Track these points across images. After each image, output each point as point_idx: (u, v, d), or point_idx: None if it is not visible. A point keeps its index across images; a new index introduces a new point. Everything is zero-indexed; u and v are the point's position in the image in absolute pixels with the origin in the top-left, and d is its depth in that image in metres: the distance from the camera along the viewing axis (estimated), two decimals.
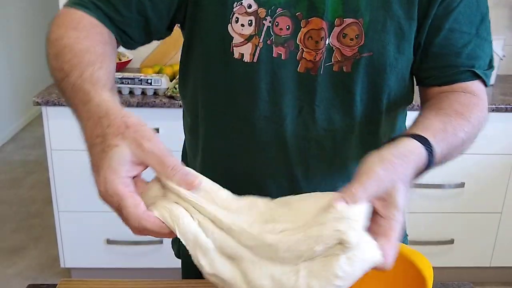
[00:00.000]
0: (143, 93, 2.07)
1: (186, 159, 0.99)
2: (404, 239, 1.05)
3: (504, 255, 2.39)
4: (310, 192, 0.73)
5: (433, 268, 0.67)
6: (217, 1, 0.78)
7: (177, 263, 2.37)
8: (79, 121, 0.64)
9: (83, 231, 2.27)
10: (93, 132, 0.59)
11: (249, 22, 0.78)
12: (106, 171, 0.56)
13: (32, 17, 4.50)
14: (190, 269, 1.03)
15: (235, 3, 0.77)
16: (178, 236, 0.56)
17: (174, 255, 2.28)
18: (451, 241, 2.34)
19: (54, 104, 2.03)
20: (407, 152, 0.63)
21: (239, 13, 0.77)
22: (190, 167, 0.59)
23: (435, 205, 2.28)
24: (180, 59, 0.89)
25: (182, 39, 0.88)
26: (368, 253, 0.56)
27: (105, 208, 2.23)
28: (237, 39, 0.78)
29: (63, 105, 2.03)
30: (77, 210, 2.23)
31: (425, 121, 0.73)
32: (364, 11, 0.77)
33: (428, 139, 0.67)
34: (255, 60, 0.79)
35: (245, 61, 0.79)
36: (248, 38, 0.78)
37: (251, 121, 0.82)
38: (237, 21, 0.78)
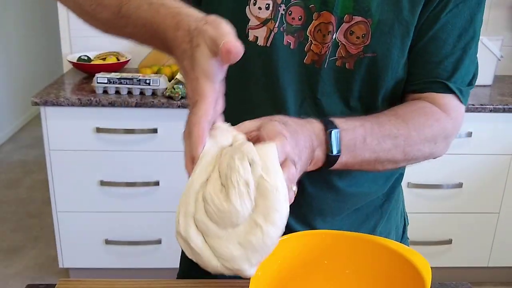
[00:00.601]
0: (142, 93, 2.08)
1: None
2: (405, 241, 1.05)
3: (502, 255, 2.40)
4: (311, 182, 0.79)
5: (431, 268, 0.67)
6: None
7: (176, 263, 2.37)
8: (164, 35, 0.63)
9: (81, 231, 2.27)
10: (183, 40, 0.60)
11: (267, 5, 0.78)
12: (198, 72, 0.58)
13: (31, 17, 4.49)
14: (188, 262, 1.04)
15: None
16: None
17: (172, 255, 2.29)
18: (449, 241, 2.35)
19: (53, 104, 2.03)
20: (298, 119, 0.67)
21: None
22: None
23: (433, 205, 2.29)
24: None
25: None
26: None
27: (103, 208, 2.24)
28: (253, 22, 0.79)
29: (62, 105, 2.03)
30: (75, 210, 2.23)
31: (362, 116, 0.75)
32: (374, 12, 0.77)
33: (333, 120, 0.70)
34: (268, 44, 0.79)
35: (259, 44, 0.79)
36: (264, 22, 0.79)
37: (257, 104, 0.83)
38: (255, 4, 0.78)
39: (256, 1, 0.78)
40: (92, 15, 0.74)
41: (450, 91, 0.80)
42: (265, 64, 0.81)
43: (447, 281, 0.89)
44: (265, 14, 0.78)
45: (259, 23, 0.79)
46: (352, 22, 0.78)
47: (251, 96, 0.83)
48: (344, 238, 0.74)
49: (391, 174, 0.93)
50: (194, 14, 0.61)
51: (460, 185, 2.25)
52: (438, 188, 2.24)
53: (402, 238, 1.03)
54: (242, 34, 0.79)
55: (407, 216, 1.06)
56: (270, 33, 0.79)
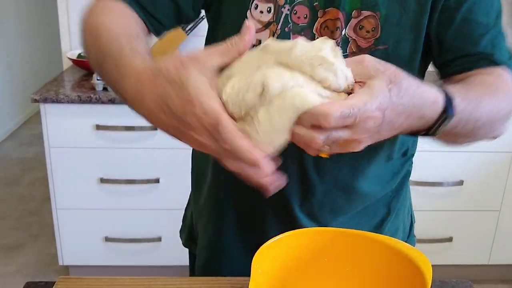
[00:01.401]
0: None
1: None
2: (411, 240, 1.05)
3: (503, 253, 2.40)
4: (320, 182, 0.78)
5: (432, 266, 0.67)
6: None
7: (176, 260, 2.37)
8: (130, 97, 0.64)
9: (81, 228, 2.27)
10: (157, 87, 0.59)
11: (268, 9, 0.79)
12: (199, 96, 0.55)
13: (30, 15, 4.49)
14: (195, 260, 1.04)
15: None
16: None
17: (172, 253, 2.28)
18: (450, 239, 2.34)
19: (53, 101, 2.03)
20: (415, 81, 0.61)
21: (258, 0, 0.79)
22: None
23: (434, 202, 2.28)
24: (205, 44, 0.90)
25: (180, 37, 0.88)
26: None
27: (103, 205, 2.23)
28: (255, 26, 0.79)
29: (62, 102, 2.03)
30: (75, 207, 2.23)
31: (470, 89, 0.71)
32: (381, 5, 0.77)
33: (446, 89, 0.65)
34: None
35: None
36: (266, 25, 0.79)
37: None
38: (256, 8, 0.79)
39: (257, 5, 0.79)
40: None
41: (497, 64, 0.79)
42: None
43: (447, 278, 0.88)
44: (267, 17, 0.79)
45: (261, 26, 0.79)
46: (361, 17, 0.78)
47: None
48: (344, 235, 0.74)
49: (399, 170, 0.93)
50: (144, 65, 0.62)
51: (460, 183, 2.24)
52: (438, 186, 2.24)
53: (409, 236, 1.03)
54: None
55: (413, 215, 1.06)
56: (273, 35, 0.80)
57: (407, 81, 0.59)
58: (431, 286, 0.64)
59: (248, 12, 0.79)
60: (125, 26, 0.73)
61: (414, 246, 1.02)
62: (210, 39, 0.88)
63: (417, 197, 2.26)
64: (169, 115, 0.58)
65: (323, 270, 0.74)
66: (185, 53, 0.59)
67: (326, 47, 0.57)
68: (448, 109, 0.63)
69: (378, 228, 0.94)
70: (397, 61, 0.79)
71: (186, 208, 1.11)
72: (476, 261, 2.42)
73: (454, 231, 2.34)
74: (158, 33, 0.83)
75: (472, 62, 0.79)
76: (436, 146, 2.29)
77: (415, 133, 0.65)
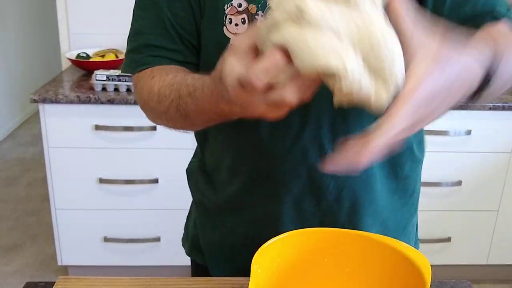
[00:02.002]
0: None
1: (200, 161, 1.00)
2: (416, 243, 1.06)
3: (501, 253, 2.40)
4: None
5: (430, 266, 0.67)
6: (212, 7, 0.80)
7: (175, 260, 2.37)
8: (217, 110, 0.65)
9: (80, 228, 2.26)
10: (217, 89, 0.62)
11: (242, 20, 0.79)
12: (224, 71, 0.57)
13: (29, 14, 4.49)
14: (198, 269, 1.03)
15: (226, 5, 0.79)
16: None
17: (171, 253, 2.28)
18: (448, 239, 2.35)
19: (52, 102, 2.03)
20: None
21: (231, 14, 0.79)
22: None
23: (433, 203, 2.29)
24: None
25: None
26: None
27: (102, 205, 2.23)
28: (234, 40, 0.79)
29: (61, 103, 2.03)
30: (74, 208, 2.23)
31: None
32: None
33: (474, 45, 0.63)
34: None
35: None
36: None
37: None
38: (230, 22, 0.79)
39: (231, 19, 0.79)
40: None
41: (501, 17, 0.78)
42: None
43: (446, 279, 0.89)
44: (243, 28, 0.79)
45: None
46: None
47: None
48: (344, 236, 0.74)
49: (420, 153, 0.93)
50: (210, 79, 0.65)
51: (459, 183, 2.25)
52: (437, 186, 2.24)
53: (415, 241, 1.05)
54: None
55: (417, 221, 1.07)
56: None
57: (452, 57, 0.56)
58: (430, 286, 0.64)
59: (224, 28, 0.79)
60: (173, 73, 0.78)
61: (418, 249, 1.04)
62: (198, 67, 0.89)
63: None
64: (226, 102, 0.60)
65: (323, 270, 0.74)
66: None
67: None
68: (489, 72, 0.62)
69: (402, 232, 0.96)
70: None
71: (187, 217, 1.09)
72: (474, 261, 2.42)
73: (453, 231, 2.35)
74: (195, 71, 0.85)
75: (477, 20, 0.78)
76: (434, 146, 2.28)
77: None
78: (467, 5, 0.78)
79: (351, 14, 0.49)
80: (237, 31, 0.79)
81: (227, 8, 0.79)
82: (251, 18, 0.79)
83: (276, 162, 0.85)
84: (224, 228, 0.96)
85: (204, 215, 1.00)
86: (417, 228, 1.06)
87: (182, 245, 1.10)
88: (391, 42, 0.50)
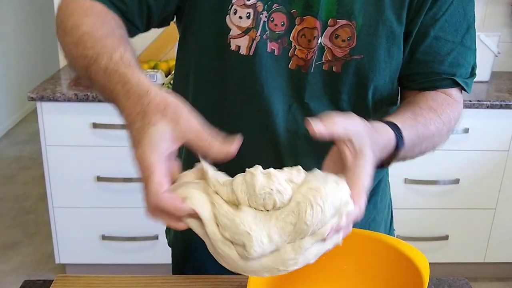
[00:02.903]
0: None
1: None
2: (391, 235, 1.06)
3: (498, 251, 2.41)
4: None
5: (428, 264, 0.67)
6: None
7: None
8: (116, 101, 0.65)
9: (78, 227, 2.26)
10: (133, 110, 0.60)
11: (247, 14, 0.78)
12: (145, 146, 0.57)
13: (26, 13, 4.47)
14: (180, 259, 1.03)
15: None
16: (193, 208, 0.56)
17: (169, 251, 2.28)
18: (446, 237, 2.35)
19: (49, 100, 2.02)
20: (376, 125, 0.67)
21: (237, 5, 0.78)
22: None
23: (430, 201, 2.29)
24: (176, 53, 0.89)
25: (178, 34, 0.88)
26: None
27: (100, 204, 2.22)
28: (234, 31, 0.78)
29: (58, 101, 2.03)
30: (72, 206, 2.23)
31: (397, 111, 0.77)
32: (357, 14, 0.77)
33: (397, 123, 0.71)
34: (251, 53, 0.79)
35: (242, 53, 0.79)
36: (246, 31, 0.78)
37: (243, 114, 0.83)
38: (235, 13, 0.78)
39: (236, 10, 0.78)
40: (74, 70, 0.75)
41: (457, 84, 0.84)
42: (248, 73, 0.80)
43: (443, 276, 0.89)
44: (246, 23, 0.78)
45: (240, 32, 0.79)
46: (337, 26, 0.78)
47: (235, 106, 0.83)
48: None
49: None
50: (143, 83, 0.62)
51: (456, 181, 2.25)
52: (434, 184, 2.25)
53: (389, 230, 1.04)
54: (223, 44, 0.79)
55: (392, 209, 1.07)
56: (252, 42, 0.79)
57: (374, 132, 0.65)
58: (427, 283, 0.64)
59: (227, 17, 0.78)
60: (109, 30, 0.72)
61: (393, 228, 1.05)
62: (183, 48, 0.87)
63: (413, 195, 2.27)
64: (128, 133, 0.61)
65: (321, 267, 0.74)
66: (176, 101, 0.59)
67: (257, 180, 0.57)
68: (399, 144, 0.70)
69: (364, 226, 0.95)
70: (371, 70, 0.80)
71: None
72: (472, 259, 2.43)
73: (450, 229, 2.35)
74: (130, 35, 0.80)
75: (436, 81, 0.83)
76: None
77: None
78: (434, 62, 0.82)
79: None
80: (239, 24, 0.78)
81: None
82: (257, 15, 0.78)
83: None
84: None
85: None
86: (392, 218, 1.06)
87: (166, 236, 1.11)
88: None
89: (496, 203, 2.31)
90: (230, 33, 0.79)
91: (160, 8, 0.81)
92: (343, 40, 0.78)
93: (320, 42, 0.79)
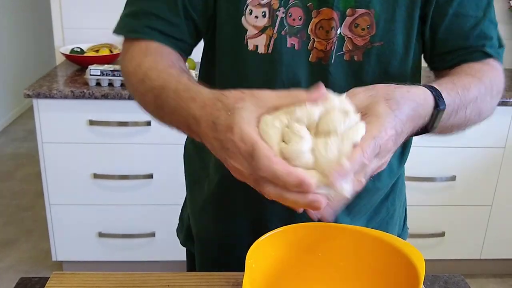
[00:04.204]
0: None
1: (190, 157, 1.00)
2: (405, 232, 1.06)
3: (494, 248, 2.41)
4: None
5: (424, 260, 0.67)
6: None
7: (170, 255, 2.37)
8: (190, 118, 0.65)
9: (74, 224, 2.26)
10: (213, 111, 0.61)
11: (263, 13, 0.78)
12: (241, 123, 0.57)
13: (22, 10, 4.46)
14: (193, 260, 1.04)
15: None
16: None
17: (166, 248, 2.28)
18: (442, 234, 2.36)
19: (45, 97, 2.02)
20: (403, 88, 0.64)
21: (252, 5, 0.78)
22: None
23: (427, 198, 2.29)
24: (201, 60, 0.91)
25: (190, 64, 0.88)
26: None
27: (97, 201, 2.22)
28: (251, 31, 0.79)
29: (55, 98, 2.02)
30: (68, 203, 2.22)
31: (432, 82, 0.74)
32: (375, 2, 0.78)
33: (433, 85, 0.68)
34: (269, 51, 0.79)
35: (260, 52, 0.79)
36: (262, 30, 0.79)
37: None
38: (251, 13, 0.78)
39: (252, 10, 0.78)
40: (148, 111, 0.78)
41: (489, 56, 0.82)
42: (269, 71, 0.80)
43: (440, 273, 0.89)
44: (262, 22, 0.78)
45: (257, 31, 0.79)
46: (356, 15, 0.78)
47: None
48: (338, 230, 0.74)
49: (399, 165, 0.93)
50: (214, 91, 0.65)
51: (453, 178, 2.25)
52: (431, 181, 2.25)
53: (403, 228, 1.04)
54: (241, 45, 0.80)
55: (407, 207, 1.07)
56: (270, 39, 0.79)
57: (399, 91, 0.63)
58: (423, 280, 0.64)
59: (243, 18, 0.78)
60: (170, 62, 0.76)
61: (407, 237, 1.04)
62: (206, 54, 0.88)
63: (410, 192, 2.26)
64: (214, 135, 0.61)
65: (317, 264, 0.74)
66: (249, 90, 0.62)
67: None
68: (439, 103, 0.67)
69: (384, 225, 0.96)
70: (392, 56, 0.80)
71: (182, 208, 1.10)
72: (468, 256, 2.43)
73: (447, 226, 2.36)
74: (188, 53, 0.85)
75: (465, 55, 0.81)
76: (429, 141, 2.29)
77: (416, 133, 0.69)
78: (459, 38, 0.81)
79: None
80: (256, 24, 0.78)
81: None
82: (272, 13, 0.78)
83: None
84: (214, 218, 0.96)
85: (196, 203, 1.00)
86: (405, 216, 1.06)
87: (177, 235, 1.11)
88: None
89: (493, 200, 2.32)
90: (247, 34, 0.79)
91: (200, 17, 0.82)
92: (363, 29, 0.78)
93: (340, 33, 0.79)
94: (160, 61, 0.76)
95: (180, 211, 1.11)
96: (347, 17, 0.78)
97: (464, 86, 0.73)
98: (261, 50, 0.79)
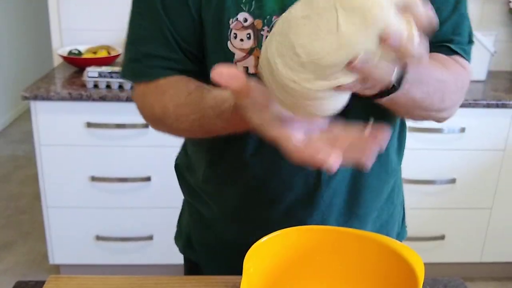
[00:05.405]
0: (133, 87, 2.06)
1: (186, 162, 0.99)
2: (403, 231, 1.06)
3: (494, 251, 2.41)
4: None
5: (424, 263, 0.66)
6: (214, 20, 0.78)
7: (167, 259, 2.36)
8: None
9: (72, 227, 2.25)
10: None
11: (247, 35, 0.78)
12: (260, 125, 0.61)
13: (20, 12, 4.46)
14: (191, 267, 1.03)
15: (231, 19, 0.77)
16: None
17: (164, 251, 2.27)
18: (442, 237, 2.35)
19: (43, 99, 2.01)
20: None
21: (236, 29, 0.77)
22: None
23: (426, 200, 2.29)
24: None
25: None
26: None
27: (94, 204, 2.21)
28: (238, 55, 0.78)
29: (52, 100, 2.01)
30: (66, 206, 2.22)
31: None
32: None
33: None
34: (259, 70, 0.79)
35: (251, 73, 0.79)
36: (250, 51, 0.78)
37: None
38: (235, 37, 0.78)
39: (236, 34, 0.78)
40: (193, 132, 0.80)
41: (454, 52, 0.82)
42: None
43: (439, 276, 0.89)
44: (248, 44, 0.78)
45: (245, 54, 0.79)
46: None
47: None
48: (336, 233, 0.74)
49: (398, 159, 0.93)
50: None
51: (453, 181, 2.25)
52: (431, 184, 2.25)
53: (402, 227, 1.05)
54: None
55: (404, 205, 1.07)
56: (258, 60, 0.79)
57: None
58: (423, 284, 0.64)
59: (229, 43, 0.78)
60: (185, 91, 0.78)
61: (406, 235, 1.06)
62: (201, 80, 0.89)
63: (410, 195, 2.27)
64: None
65: (315, 268, 0.74)
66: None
67: None
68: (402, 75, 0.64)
69: (385, 225, 0.96)
70: None
71: (181, 213, 1.09)
72: (468, 259, 2.43)
73: (447, 229, 2.35)
74: (196, 76, 0.84)
75: (431, 48, 0.80)
76: (429, 144, 2.29)
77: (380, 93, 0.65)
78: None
79: None
80: (242, 47, 0.78)
81: (232, 22, 0.77)
82: (256, 33, 0.77)
83: (268, 176, 0.86)
84: (215, 228, 0.96)
85: (196, 214, 0.99)
86: (404, 215, 1.06)
87: (175, 242, 1.10)
88: None
89: (493, 203, 2.31)
90: (235, 58, 0.79)
91: (195, 45, 0.82)
92: None
93: None
94: (179, 93, 0.78)
95: (178, 215, 1.11)
96: None
97: (429, 68, 0.72)
98: (251, 70, 0.79)
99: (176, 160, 1.04)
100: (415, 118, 0.80)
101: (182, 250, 1.07)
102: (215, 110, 0.71)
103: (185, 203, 1.05)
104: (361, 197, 0.89)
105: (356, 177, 0.87)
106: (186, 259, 1.08)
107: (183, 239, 1.05)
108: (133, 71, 0.85)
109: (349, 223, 0.90)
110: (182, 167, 1.01)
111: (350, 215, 0.90)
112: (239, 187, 0.89)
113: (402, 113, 0.79)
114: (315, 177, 0.85)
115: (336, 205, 0.88)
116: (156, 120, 0.83)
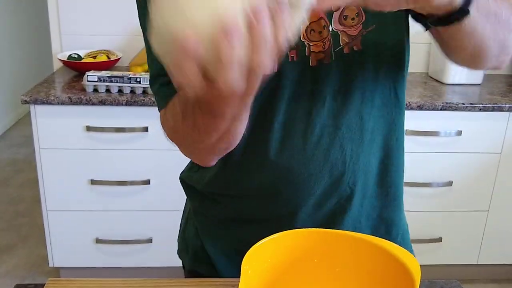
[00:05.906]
0: (132, 91, 2.07)
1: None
2: (406, 233, 1.06)
3: (491, 253, 2.42)
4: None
5: (421, 266, 0.67)
6: None
7: (167, 261, 2.36)
8: None
9: (71, 230, 2.26)
10: None
11: None
12: None
13: (20, 16, 4.46)
14: (193, 275, 1.02)
15: None
16: None
17: (163, 254, 2.27)
18: (439, 239, 2.36)
19: (43, 103, 2.02)
20: None
21: None
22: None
23: (423, 203, 2.30)
24: None
25: None
26: None
27: (94, 207, 2.22)
28: None
29: (52, 104, 2.02)
30: (65, 209, 2.22)
31: None
32: None
33: None
34: (275, 69, 0.79)
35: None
36: None
37: (278, 126, 0.82)
38: None
39: None
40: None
41: None
42: (276, 89, 0.80)
43: (436, 278, 0.89)
44: None
45: None
46: (342, 8, 0.78)
47: (268, 119, 0.83)
48: (334, 236, 0.74)
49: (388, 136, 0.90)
50: None
51: (450, 183, 2.26)
52: (428, 186, 2.26)
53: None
54: None
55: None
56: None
57: None
58: (419, 286, 0.65)
59: None
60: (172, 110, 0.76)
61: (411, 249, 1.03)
62: None
63: (407, 197, 2.27)
64: None
65: (313, 270, 0.74)
66: None
67: None
68: None
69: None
70: (387, 35, 0.80)
71: (184, 224, 1.05)
72: (465, 261, 2.44)
73: (443, 231, 2.36)
74: None
75: None
76: (425, 147, 2.29)
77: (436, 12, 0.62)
78: None
79: None
80: None
81: None
82: None
83: (292, 174, 0.84)
84: (231, 237, 0.94)
85: (208, 224, 0.97)
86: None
87: (181, 258, 1.05)
88: None
89: (489, 205, 2.32)
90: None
91: None
92: (353, 19, 0.78)
93: (332, 29, 0.79)
94: (169, 118, 0.77)
95: (177, 218, 1.09)
96: (334, 13, 0.78)
97: None
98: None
99: (181, 174, 1.02)
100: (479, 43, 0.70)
101: (190, 266, 1.02)
102: (185, 106, 0.67)
103: (188, 216, 1.02)
104: (389, 176, 0.89)
105: (382, 157, 0.87)
106: (190, 272, 1.03)
107: (191, 253, 1.01)
108: (161, 100, 0.85)
109: (383, 208, 0.91)
110: (187, 177, 0.99)
111: (382, 197, 0.90)
112: (258, 189, 0.87)
113: (457, 48, 0.71)
114: (341, 164, 0.84)
115: (368, 187, 0.88)
116: (171, 130, 0.79)
